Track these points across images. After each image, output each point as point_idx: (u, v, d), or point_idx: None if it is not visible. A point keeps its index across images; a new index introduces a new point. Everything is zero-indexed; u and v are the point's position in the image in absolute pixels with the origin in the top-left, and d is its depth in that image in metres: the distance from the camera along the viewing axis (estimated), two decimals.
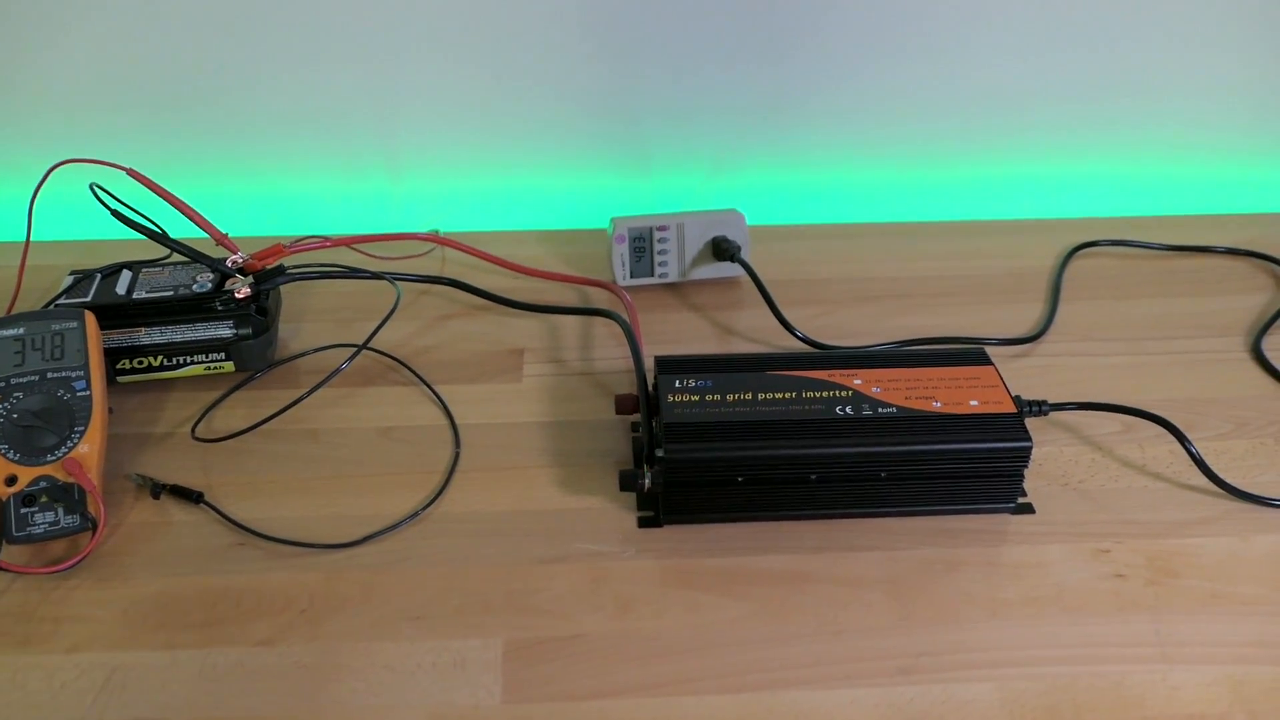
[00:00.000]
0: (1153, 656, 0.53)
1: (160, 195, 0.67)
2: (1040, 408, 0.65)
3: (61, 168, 0.68)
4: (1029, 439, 0.58)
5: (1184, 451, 0.64)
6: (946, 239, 0.87)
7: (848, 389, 0.61)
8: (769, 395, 0.60)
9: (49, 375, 0.60)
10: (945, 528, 0.60)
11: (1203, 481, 0.63)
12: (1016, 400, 0.61)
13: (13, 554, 0.57)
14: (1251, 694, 0.51)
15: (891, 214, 0.93)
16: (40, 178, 0.68)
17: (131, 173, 0.66)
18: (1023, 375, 0.72)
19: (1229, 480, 0.63)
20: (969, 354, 0.64)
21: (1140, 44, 0.85)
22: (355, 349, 0.70)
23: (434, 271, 0.82)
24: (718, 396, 0.60)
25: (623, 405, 0.65)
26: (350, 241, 0.76)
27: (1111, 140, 0.90)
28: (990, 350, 0.74)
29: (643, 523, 0.60)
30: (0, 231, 0.88)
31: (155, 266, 0.71)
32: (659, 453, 0.58)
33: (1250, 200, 0.93)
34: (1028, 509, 0.62)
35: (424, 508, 0.61)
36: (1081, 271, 0.83)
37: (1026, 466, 0.59)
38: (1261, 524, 0.61)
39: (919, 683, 0.52)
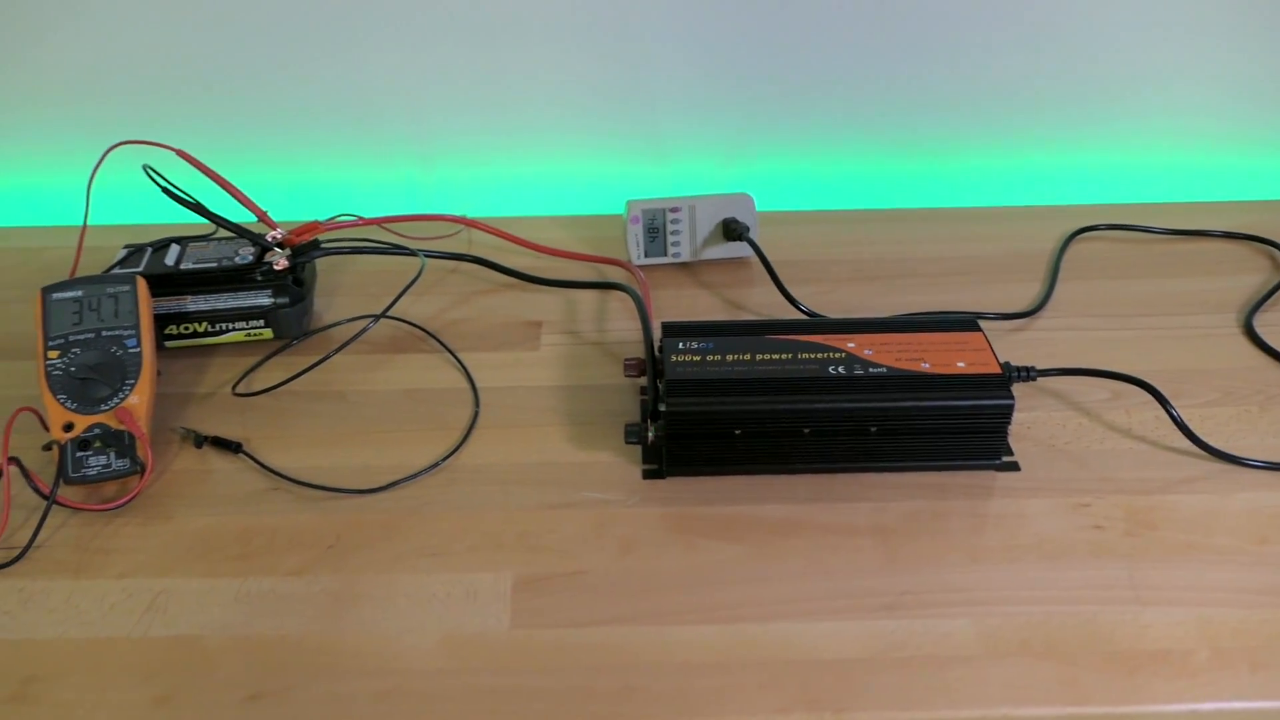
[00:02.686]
0: (1125, 599, 0.56)
1: (207, 174, 0.73)
2: (1028, 373, 0.68)
3: (115, 154, 0.74)
4: (1011, 397, 0.61)
5: (1168, 417, 0.67)
6: (949, 224, 0.91)
7: (841, 351, 0.64)
8: (766, 356, 0.64)
9: (104, 333, 0.66)
10: (933, 482, 0.64)
11: (1186, 445, 0.66)
12: (1004, 365, 0.64)
13: (69, 493, 0.62)
14: (1218, 633, 0.54)
15: (898, 203, 0.96)
16: (95, 162, 0.74)
17: (181, 154, 0.72)
18: (1017, 347, 0.75)
19: (1212, 443, 0.65)
20: (959, 321, 0.68)
21: (1140, 38, 0.88)
22: (377, 315, 0.75)
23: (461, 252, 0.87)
24: (718, 357, 0.64)
25: (631, 369, 0.69)
26: (382, 221, 0.81)
27: (1114, 131, 0.93)
28: (987, 324, 0.77)
29: (647, 474, 0.64)
30: (56, 217, 0.95)
31: (201, 241, 0.77)
32: (662, 407, 0.62)
33: (1249, 188, 0.96)
34: (1013, 466, 0.65)
35: (443, 459, 0.66)
36: (1080, 255, 0.86)
37: (1010, 423, 0.62)
38: (1241, 483, 0.63)
39: (900, 618, 0.55)
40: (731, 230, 0.82)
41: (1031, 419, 0.68)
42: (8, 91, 0.90)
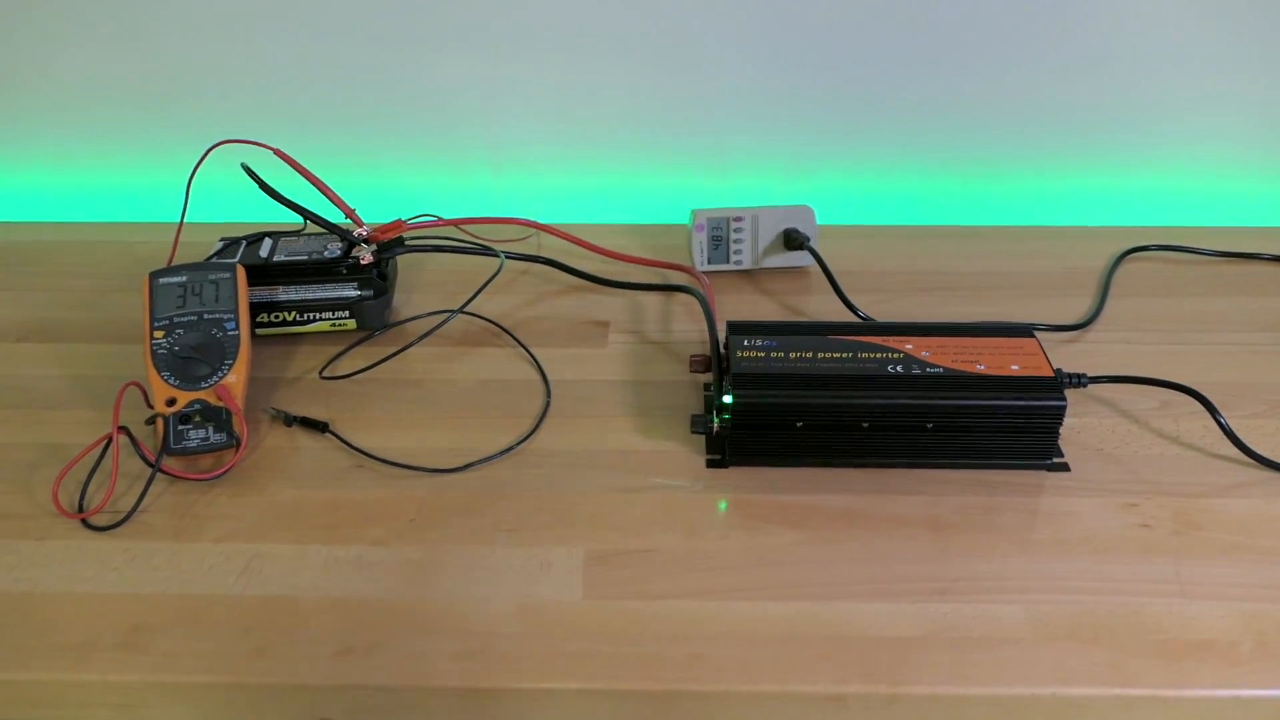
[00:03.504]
0: (1172, 592, 0.58)
1: (300, 173, 0.77)
2: (1080, 379, 0.70)
3: (212, 156, 0.79)
4: (1063, 398, 0.64)
5: (1216, 426, 0.69)
6: (1003, 241, 0.94)
7: (900, 352, 0.68)
8: (828, 354, 0.67)
9: (205, 316, 0.70)
10: (985, 480, 0.66)
11: (1234, 453, 0.68)
12: (1057, 370, 0.67)
13: (170, 463, 0.66)
14: (1263, 626, 0.56)
15: (955, 221, 0.99)
16: (195, 161, 0.79)
17: (278, 153, 0.77)
18: (1068, 357, 0.78)
19: (1260, 451, 0.67)
20: (1014, 328, 0.70)
21: (1190, 68, 0.91)
22: (457, 310, 0.79)
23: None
24: (782, 354, 0.68)
25: (696, 365, 0.72)
26: (460, 223, 0.85)
27: (1163, 155, 0.96)
28: (1039, 335, 0.80)
29: (711, 464, 0.68)
30: (146, 213, 1.01)
31: (292, 235, 0.82)
32: (727, 399, 0.65)
33: None
34: (1063, 468, 0.67)
35: (518, 443, 0.69)
36: (1131, 273, 0.89)
37: (1061, 424, 0.65)
38: None
39: (953, 601, 0.58)
40: (793, 240, 0.86)
41: (1082, 424, 0.71)
42: (103, 93, 0.96)
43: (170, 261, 0.82)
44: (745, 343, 0.69)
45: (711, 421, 0.66)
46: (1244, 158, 0.96)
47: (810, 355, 0.67)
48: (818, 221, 0.87)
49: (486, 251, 0.84)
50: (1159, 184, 0.98)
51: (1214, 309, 0.84)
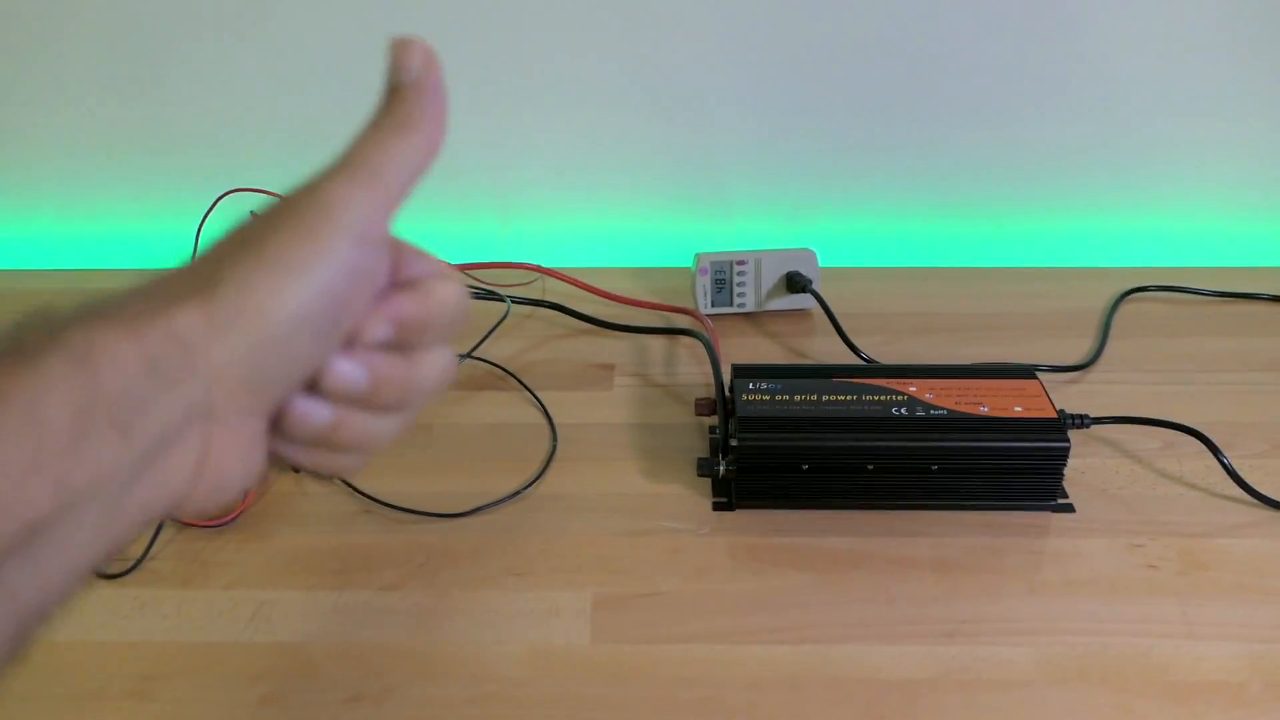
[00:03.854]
0: (1179, 633, 0.58)
1: None
2: (1083, 420, 0.71)
3: (205, 202, 0.80)
4: (1067, 440, 0.65)
5: (1220, 466, 0.69)
6: (1006, 281, 0.94)
7: (903, 394, 0.68)
8: (832, 397, 0.68)
9: None
10: (990, 521, 0.66)
11: (1237, 493, 0.68)
12: (1060, 411, 0.67)
13: None
14: (1271, 667, 0.56)
15: (956, 263, 1.00)
16: (205, 210, 0.81)
17: None
18: (1070, 398, 0.78)
19: (1263, 491, 0.68)
20: (1016, 369, 0.71)
21: (1187, 113, 0.93)
22: (463, 355, 0.80)
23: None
24: (786, 397, 0.68)
25: (701, 407, 0.73)
26: (465, 268, 0.86)
27: (1161, 197, 0.97)
28: (1041, 376, 0.80)
29: (717, 507, 0.68)
30: (159, 262, 1.01)
31: None
32: (733, 442, 0.66)
33: None
34: (1068, 509, 0.67)
35: (525, 487, 0.69)
36: (1131, 314, 0.90)
37: (1065, 465, 0.65)
38: None
39: (962, 644, 0.58)
40: (795, 283, 0.86)
41: (1085, 465, 0.71)
42: (112, 142, 0.97)
43: None
44: (750, 385, 0.69)
45: (717, 464, 0.67)
46: (1242, 198, 0.97)
47: (815, 398, 0.68)
48: (820, 264, 0.88)
49: (492, 296, 0.85)
50: (1158, 225, 0.99)
51: (1215, 348, 0.84)
